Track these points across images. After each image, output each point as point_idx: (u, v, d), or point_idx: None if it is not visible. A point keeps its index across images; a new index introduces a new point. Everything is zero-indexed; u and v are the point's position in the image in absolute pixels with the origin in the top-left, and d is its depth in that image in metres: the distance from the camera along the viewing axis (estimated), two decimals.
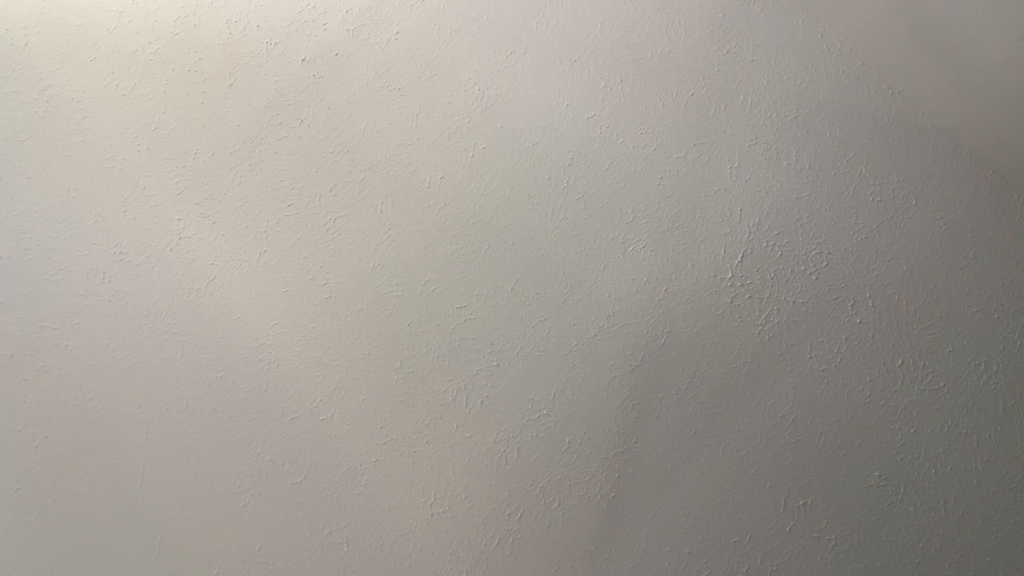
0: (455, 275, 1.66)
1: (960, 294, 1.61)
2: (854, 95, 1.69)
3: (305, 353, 1.64)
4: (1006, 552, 1.52)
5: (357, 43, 1.76)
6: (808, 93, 1.70)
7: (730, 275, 1.64)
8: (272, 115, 1.74)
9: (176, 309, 1.65)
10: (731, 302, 1.63)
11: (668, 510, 1.55)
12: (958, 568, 1.52)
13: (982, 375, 1.58)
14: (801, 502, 1.55)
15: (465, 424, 1.60)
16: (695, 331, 1.62)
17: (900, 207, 1.65)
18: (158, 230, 1.69)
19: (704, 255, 1.65)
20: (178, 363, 1.63)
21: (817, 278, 1.63)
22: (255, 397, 1.62)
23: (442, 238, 1.67)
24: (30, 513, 1.59)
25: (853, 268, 1.63)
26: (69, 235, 1.68)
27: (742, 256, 1.64)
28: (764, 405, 1.59)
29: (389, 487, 1.57)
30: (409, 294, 1.65)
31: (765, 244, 1.65)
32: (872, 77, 1.69)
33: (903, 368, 1.59)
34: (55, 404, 1.62)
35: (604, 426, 1.59)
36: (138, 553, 1.58)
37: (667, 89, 1.71)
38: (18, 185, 1.70)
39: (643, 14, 1.75)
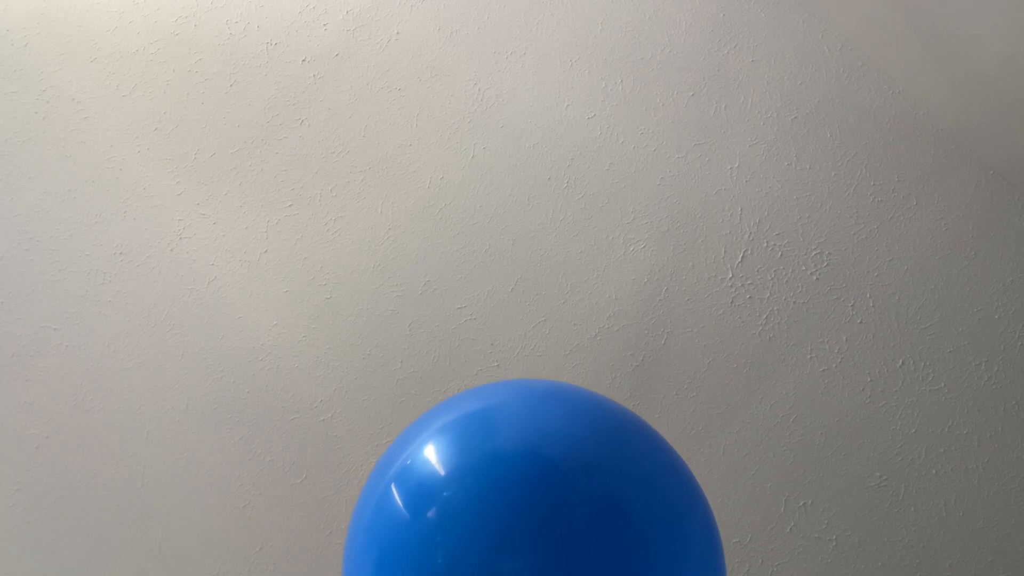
0: (455, 275, 1.66)
1: (960, 294, 1.61)
2: (854, 95, 1.69)
3: (305, 353, 1.64)
4: (1006, 552, 1.52)
5: (357, 43, 1.76)
6: (808, 93, 1.70)
7: (730, 275, 1.64)
8: (272, 115, 1.74)
9: (176, 309, 1.66)
10: (731, 302, 1.63)
11: None
12: (958, 568, 1.52)
13: (982, 375, 1.58)
14: (801, 502, 1.55)
15: None
16: (695, 331, 1.62)
17: (900, 207, 1.64)
18: (159, 230, 1.69)
19: (704, 255, 1.65)
20: (178, 363, 1.63)
21: (817, 278, 1.63)
22: (255, 397, 1.62)
23: (442, 238, 1.67)
24: (30, 513, 1.59)
25: (853, 268, 1.63)
26: (70, 235, 1.68)
27: (742, 256, 1.64)
28: (764, 405, 1.59)
29: None
30: (409, 294, 1.65)
31: (765, 244, 1.64)
32: (872, 77, 1.69)
33: (903, 368, 1.59)
34: (56, 404, 1.62)
35: None
36: (138, 553, 1.58)
37: (667, 89, 1.71)
38: (19, 185, 1.70)
39: (643, 14, 1.75)
